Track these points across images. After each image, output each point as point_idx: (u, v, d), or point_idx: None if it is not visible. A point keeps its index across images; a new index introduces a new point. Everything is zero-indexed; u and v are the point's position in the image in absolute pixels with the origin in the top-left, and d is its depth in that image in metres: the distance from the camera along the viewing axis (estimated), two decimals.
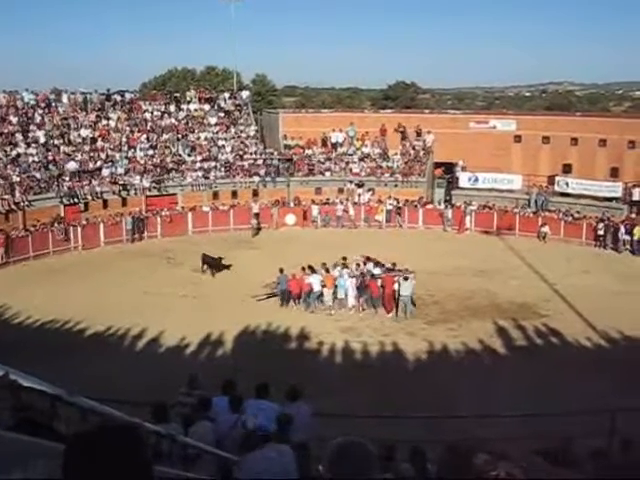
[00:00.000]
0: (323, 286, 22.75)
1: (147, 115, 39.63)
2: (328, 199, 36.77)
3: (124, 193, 34.56)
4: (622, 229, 31.01)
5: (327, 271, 23.34)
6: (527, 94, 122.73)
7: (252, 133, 41.09)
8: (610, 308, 21.85)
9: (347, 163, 39.06)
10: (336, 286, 22.68)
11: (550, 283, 25.27)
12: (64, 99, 38.26)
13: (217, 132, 40.10)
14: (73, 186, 32.95)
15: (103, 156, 35.81)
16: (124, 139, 37.45)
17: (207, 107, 41.64)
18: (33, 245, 29.44)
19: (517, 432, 10.08)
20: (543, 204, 35.23)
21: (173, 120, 39.94)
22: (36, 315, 21.42)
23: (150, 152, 37.28)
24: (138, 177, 35.11)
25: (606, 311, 21.51)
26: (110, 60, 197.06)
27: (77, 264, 28.28)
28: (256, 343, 19.86)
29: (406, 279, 21.99)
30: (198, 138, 39.40)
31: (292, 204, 36.47)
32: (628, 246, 30.72)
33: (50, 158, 34.12)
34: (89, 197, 33.48)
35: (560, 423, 10.37)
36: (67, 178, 33.11)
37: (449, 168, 39.17)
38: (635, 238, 30.55)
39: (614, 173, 35.86)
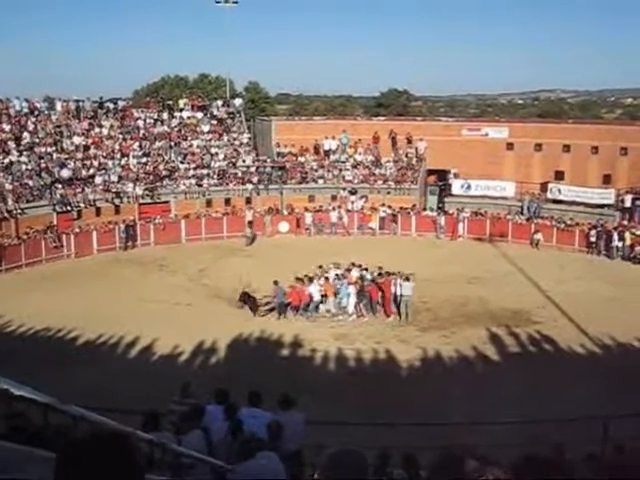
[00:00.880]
0: (323, 295, 22.78)
1: (140, 123, 39.58)
2: (321, 206, 36.79)
3: (117, 201, 34.50)
4: (615, 235, 31.13)
5: (310, 280, 23.35)
6: (519, 101, 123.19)
7: (245, 141, 41.10)
8: (603, 314, 21.91)
9: (340, 170, 39.10)
10: (337, 294, 22.79)
11: (543, 290, 25.32)
12: (57, 107, 38.22)
13: (210, 140, 40.10)
14: (66, 194, 32.88)
15: (96, 164, 35.75)
16: (117, 147, 37.42)
17: (200, 115, 41.63)
18: (26, 253, 29.31)
19: (510, 439, 10.08)
20: (536, 211, 35.33)
21: (166, 128, 39.92)
22: (29, 323, 21.30)
23: (143, 160, 37.25)
24: (131, 185, 35.06)
25: (599, 317, 21.56)
26: (103, 68, 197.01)
27: (70, 272, 28.17)
28: (249, 351, 19.82)
29: (407, 279, 22.49)
30: (191, 146, 39.38)
31: (285, 212, 36.47)
32: (620, 252, 30.85)
33: (43, 166, 34.04)
34: (82, 205, 33.38)
35: (553, 430, 10.39)
36: (60, 186, 33.04)
37: (442, 175, 39.25)
38: (627, 244, 30.69)
39: (606, 180, 36.03)
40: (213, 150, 39.35)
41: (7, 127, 35.51)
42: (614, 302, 23.52)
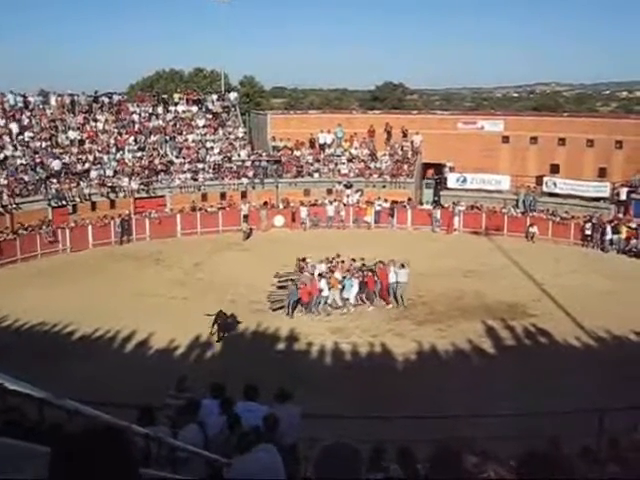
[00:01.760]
0: (329, 288, 22.88)
1: (135, 117, 39.49)
2: (317, 200, 36.77)
3: (112, 195, 34.45)
4: (608, 228, 31.20)
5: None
6: (515, 95, 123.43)
7: (240, 135, 41.05)
8: (598, 307, 21.99)
9: (335, 164, 39.06)
10: (343, 286, 22.99)
11: (538, 283, 25.38)
12: (52, 101, 38.09)
13: (205, 134, 40.04)
14: (61, 188, 32.80)
15: (91, 158, 35.66)
16: (112, 141, 37.32)
17: (195, 109, 41.54)
18: (21, 248, 29.27)
19: (506, 432, 10.11)
20: (531, 204, 35.35)
21: (161, 122, 39.83)
22: (24, 318, 21.29)
23: (138, 154, 37.16)
24: (126, 179, 35.00)
25: (594, 310, 21.63)
26: (98, 62, 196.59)
27: (65, 266, 28.15)
28: (245, 345, 19.84)
29: (403, 266, 23.18)
30: (186, 140, 39.31)
31: (281, 206, 36.44)
32: (615, 246, 30.91)
33: (38, 160, 33.94)
34: (77, 199, 33.30)
35: (549, 422, 10.42)
36: (55, 180, 32.94)
37: (437, 169, 39.27)
38: (622, 237, 30.76)
39: (602, 173, 36.07)
40: (208, 144, 39.28)
41: (1, 122, 35.35)
42: (609, 295, 23.60)
